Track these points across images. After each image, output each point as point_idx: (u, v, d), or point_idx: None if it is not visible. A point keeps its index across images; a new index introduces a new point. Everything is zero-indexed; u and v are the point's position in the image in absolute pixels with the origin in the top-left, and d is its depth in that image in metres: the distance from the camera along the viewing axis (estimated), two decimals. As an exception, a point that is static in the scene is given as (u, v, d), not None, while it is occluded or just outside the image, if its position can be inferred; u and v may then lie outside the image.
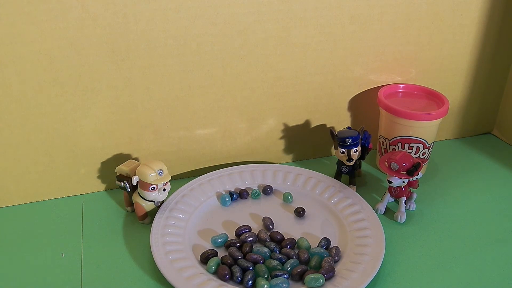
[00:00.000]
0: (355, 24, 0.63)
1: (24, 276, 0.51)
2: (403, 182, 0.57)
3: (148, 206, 0.57)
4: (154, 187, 0.55)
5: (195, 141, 0.65)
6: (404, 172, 0.56)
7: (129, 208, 0.60)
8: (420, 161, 0.57)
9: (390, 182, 0.57)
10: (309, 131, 0.70)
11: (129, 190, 0.57)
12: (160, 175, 0.55)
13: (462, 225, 0.59)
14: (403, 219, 0.58)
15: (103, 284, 0.50)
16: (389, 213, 0.60)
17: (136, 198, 0.57)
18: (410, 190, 0.60)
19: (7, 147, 0.58)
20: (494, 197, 0.64)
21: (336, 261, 0.51)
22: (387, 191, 0.60)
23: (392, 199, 0.62)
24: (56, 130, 0.58)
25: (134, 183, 0.56)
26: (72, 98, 0.57)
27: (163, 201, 0.59)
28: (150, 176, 0.54)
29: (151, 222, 0.57)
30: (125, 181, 0.57)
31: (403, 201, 0.59)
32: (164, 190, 0.56)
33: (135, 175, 0.55)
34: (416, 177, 0.58)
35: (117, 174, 0.58)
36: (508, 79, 0.76)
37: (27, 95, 0.55)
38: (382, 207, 0.60)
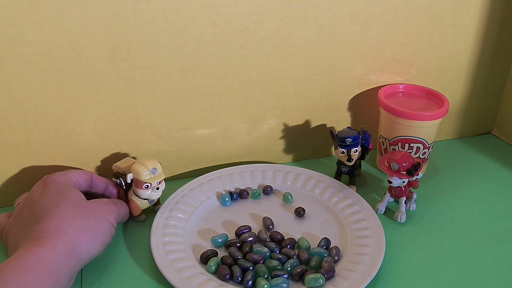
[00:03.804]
0: (355, 24, 0.63)
1: (24, 276, 0.51)
2: (403, 182, 0.57)
3: (142, 204, 0.57)
4: (147, 186, 0.55)
5: (195, 141, 0.65)
6: (404, 172, 0.56)
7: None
8: (420, 161, 0.57)
9: (390, 182, 0.57)
10: (309, 131, 0.70)
11: (124, 187, 0.57)
12: (154, 173, 0.55)
13: (462, 225, 0.59)
14: (403, 219, 0.58)
15: (103, 284, 0.50)
16: (389, 213, 0.60)
17: (130, 196, 0.57)
18: (410, 190, 0.60)
19: (7, 147, 0.58)
20: (494, 197, 0.64)
21: (336, 261, 0.51)
22: (387, 191, 0.60)
23: (392, 199, 0.62)
24: (56, 130, 0.58)
25: (128, 181, 0.56)
26: (72, 98, 0.57)
27: (158, 200, 0.59)
28: (144, 174, 0.54)
29: (146, 219, 0.57)
30: (120, 179, 0.57)
31: (403, 201, 0.59)
32: (157, 188, 0.56)
33: (130, 172, 0.56)
34: (416, 177, 0.58)
35: (114, 171, 0.59)
36: (508, 79, 0.76)
37: (27, 95, 0.55)
38: (382, 207, 0.60)
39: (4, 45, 0.52)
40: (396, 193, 0.59)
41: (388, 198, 0.60)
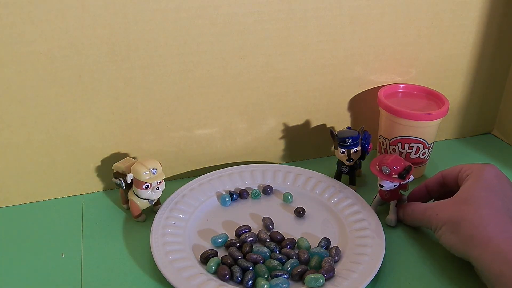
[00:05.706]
0: (355, 24, 0.63)
1: (24, 276, 0.51)
2: (394, 185, 0.56)
3: (142, 204, 0.57)
4: (147, 186, 0.55)
5: (195, 141, 0.65)
6: (396, 176, 0.55)
7: (125, 205, 0.60)
8: (411, 164, 0.56)
9: (382, 186, 0.56)
10: (309, 131, 0.70)
11: (124, 187, 0.57)
12: (154, 173, 0.55)
13: (462, 225, 0.58)
14: (395, 222, 0.58)
15: (103, 284, 0.50)
16: (382, 215, 0.59)
17: (131, 196, 0.57)
18: (400, 192, 0.59)
19: (7, 147, 0.58)
20: (494, 197, 0.64)
21: (336, 261, 0.51)
22: (378, 194, 0.59)
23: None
24: (56, 130, 0.58)
25: (128, 181, 0.56)
26: (72, 98, 0.57)
27: (158, 200, 0.59)
28: (144, 174, 0.54)
29: (146, 219, 0.57)
30: (120, 179, 0.57)
31: (394, 205, 0.58)
32: (157, 188, 0.56)
33: (130, 172, 0.56)
34: (408, 180, 0.57)
35: (114, 171, 0.59)
36: (508, 79, 0.76)
37: (27, 95, 0.55)
38: (374, 209, 0.59)
39: (4, 45, 0.52)
40: (388, 196, 0.58)
41: (378, 201, 0.59)
